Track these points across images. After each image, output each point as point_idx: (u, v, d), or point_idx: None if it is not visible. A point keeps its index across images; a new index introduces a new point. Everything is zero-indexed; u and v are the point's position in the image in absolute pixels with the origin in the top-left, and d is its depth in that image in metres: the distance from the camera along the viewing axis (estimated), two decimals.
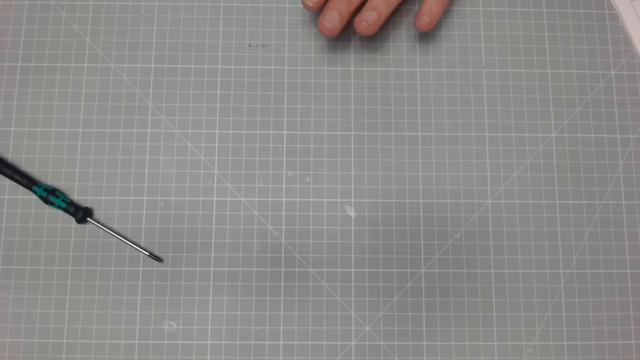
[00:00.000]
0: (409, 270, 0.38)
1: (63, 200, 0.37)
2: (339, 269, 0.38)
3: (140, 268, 0.38)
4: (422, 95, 0.40)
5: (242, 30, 0.41)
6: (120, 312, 0.37)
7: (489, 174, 0.39)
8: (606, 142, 0.40)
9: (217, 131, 0.39)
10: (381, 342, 0.37)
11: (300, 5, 0.41)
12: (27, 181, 0.38)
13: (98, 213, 0.38)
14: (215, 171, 0.39)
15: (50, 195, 0.37)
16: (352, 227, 0.38)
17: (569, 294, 0.38)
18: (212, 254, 0.38)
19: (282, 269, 0.38)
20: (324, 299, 0.38)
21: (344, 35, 0.41)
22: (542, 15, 0.41)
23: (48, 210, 0.38)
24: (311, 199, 0.39)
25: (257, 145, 0.39)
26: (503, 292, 0.38)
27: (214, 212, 0.38)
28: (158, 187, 0.39)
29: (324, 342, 0.37)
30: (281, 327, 0.37)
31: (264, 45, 0.41)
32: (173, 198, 0.39)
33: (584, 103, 0.40)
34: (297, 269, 0.38)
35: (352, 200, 0.39)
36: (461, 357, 0.37)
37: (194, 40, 0.40)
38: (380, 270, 0.38)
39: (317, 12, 0.39)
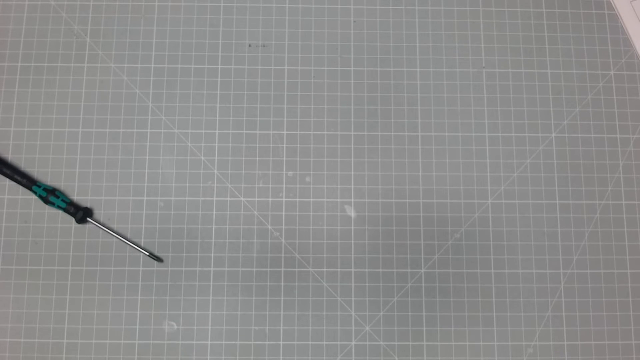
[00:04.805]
0: (409, 270, 0.38)
1: (63, 200, 0.37)
2: (339, 269, 0.38)
3: (140, 268, 0.38)
4: (422, 95, 0.40)
5: (242, 30, 0.41)
6: (120, 312, 0.37)
7: (489, 174, 0.39)
8: (606, 142, 0.40)
9: (217, 131, 0.39)
10: (381, 342, 0.37)
11: (300, 5, 0.41)
12: (27, 181, 0.38)
13: (98, 213, 0.38)
14: (215, 171, 0.39)
15: (50, 195, 0.37)
16: (352, 227, 0.38)
17: (569, 294, 0.38)
18: (212, 254, 0.38)
19: (282, 269, 0.38)
20: (324, 299, 0.38)
21: (345, 35, 0.41)
22: (542, 15, 0.41)
23: (48, 210, 0.38)
24: (311, 199, 0.39)
25: (257, 145, 0.39)
26: (503, 292, 0.38)
27: (214, 212, 0.38)
28: (158, 187, 0.39)
29: (324, 342, 0.37)
30: (281, 327, 0.37)
31: (264, 45, 0.41)
32: (173, 198, 0.39)
33: (584, 103, 0.40)
34: (297, 269, 0.38)
35: (352, 200, 0.39)
36: (461, 357, 0.37)
37: (194, 40, 0.40)
38: (380, 270, 0.38)
39: None
